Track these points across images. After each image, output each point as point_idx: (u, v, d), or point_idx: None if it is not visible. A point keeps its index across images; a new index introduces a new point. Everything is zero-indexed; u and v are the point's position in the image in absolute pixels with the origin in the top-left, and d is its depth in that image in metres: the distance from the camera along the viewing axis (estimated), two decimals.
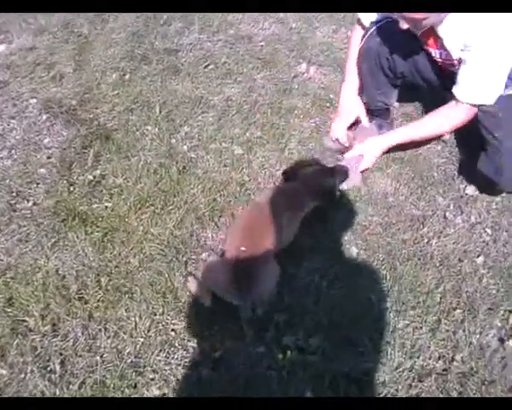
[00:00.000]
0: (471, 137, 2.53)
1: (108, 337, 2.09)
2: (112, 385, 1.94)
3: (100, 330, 2.12)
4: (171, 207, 2.54)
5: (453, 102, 2.33)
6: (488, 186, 2.53)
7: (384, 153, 2.59)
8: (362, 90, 2.78)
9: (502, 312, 2.19)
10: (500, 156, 2.35)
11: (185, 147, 2.86)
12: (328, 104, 3.12)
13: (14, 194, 2.63)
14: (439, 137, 2.85)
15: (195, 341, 2.09)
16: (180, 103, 3.13)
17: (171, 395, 1.92)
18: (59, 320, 2.14)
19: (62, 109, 3.10)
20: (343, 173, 2.49)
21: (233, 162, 2.75)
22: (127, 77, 3.34)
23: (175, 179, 2.65)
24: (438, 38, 2.29)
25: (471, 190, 2.64)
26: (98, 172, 2.72)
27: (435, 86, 2.58)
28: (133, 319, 2.14)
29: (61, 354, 2.04)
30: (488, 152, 2.40)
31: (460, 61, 2.27)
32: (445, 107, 2.39)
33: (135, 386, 1.95)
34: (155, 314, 2.16)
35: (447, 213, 2.56)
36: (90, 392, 1.93)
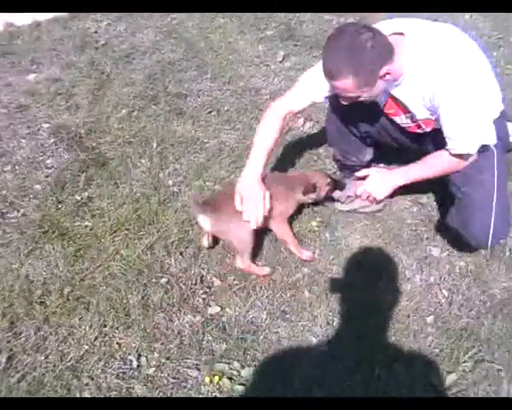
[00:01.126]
0: (448, 201, 2.58)
1: (57, 341, 2.24)
2: (48, 384, 2.07)
3: (51, 333, 2.27)
4: (143, 234, 2.69)
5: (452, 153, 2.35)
6: (455, 241, 2.59)
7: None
8: (333, 146, 2.89)
9: (440, 371, 2.20)
10: (466, 210, 2.41)
11: (170, 181, 3.04)
12: (315, 158, 3.24)
13: (7, 204, 2.86)
14: (415, 198, 2.92)
15: (135, 356, 2.20)
16: (176, 142, 3.34)
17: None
18: (17, 319, 2.30)
19: (69, 136, 3.35)
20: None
21: None
22: (135, 114, 3.58)
23: (154, 209, 2.82)
24: (400, 104, 2.40)
25: (436, 251, 2.68)
26: (86, 194, 2.93)
27: (407, 146, 2.66)
28: (84, 327, 2.28)
29: (10, 350, 2.19)
30: (456, 206, 2.47)
31: (428, 121, 2.37)
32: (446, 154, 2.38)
33: (69, 388, 2.07)
34: (105, 326, 2.30)
35: (407, 272, 2.60)
36: (26, 387, 2.06)
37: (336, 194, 2.79)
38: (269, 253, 2.65)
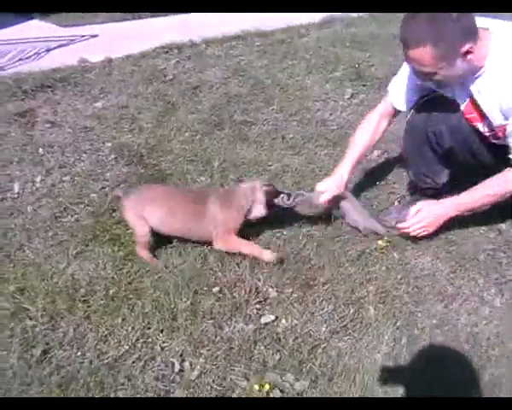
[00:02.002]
0: None
1: (96, 339, 2.08)
2: (81, 379, 1.90)
3: (91, 330, 2.11)
4: (197, 244, 2.53)
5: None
6: None
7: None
8: (409, 166, 2.69)
9: None
10: None
11: None
12: (382, 183, 3.04)
13: (61, 209, 2.79)
14: (493, 225, 2.65)
15: (178, 360, 2.00)
16: (239, 164, 3.22)
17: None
18: (57, 315, 2.17)
19: (131, 153, 3.30)
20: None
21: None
22: (198, 137, 3.52)
23: None
24: (478, 109, 2.21)
25: None
26: None
27: (486, 164, 2.44)
28: (126, 328, 2.11)
29: (46, 344, 2.05)
30: None
31: (503, 129, 2.16)
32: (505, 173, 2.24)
33: (103, 386, 1.88)
34: (148, 328, 2.12)
35: (485, 294, 2.32)
36: (58, 380, 1.89)
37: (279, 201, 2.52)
38: (327, 267, 2.42)
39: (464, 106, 2.31)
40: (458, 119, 2.35)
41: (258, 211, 2.47)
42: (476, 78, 2.14)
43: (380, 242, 2.58)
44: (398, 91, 2.54)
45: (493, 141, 2.33)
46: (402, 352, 2.05)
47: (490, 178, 2.26)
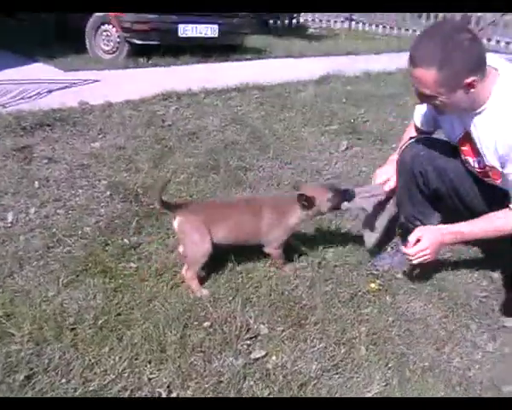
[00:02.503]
0: None
1: (82, 367, 2.02)
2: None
3: (77, 358, 2.05)
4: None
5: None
6: None
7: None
8: (400, 207, 2.72)
9: None
10: None
11: None
12: None
13: (54, 240, 2.77)
14: (485, 273, 2.67)
15: (165, 390, 1.95)
16: None
17: None
18: (44, 341, 2.12)
19: (126, 191, 3.32)
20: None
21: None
22: (193, 179, 3.55)
23: None
24: (473, 143, 2.25)
25: (511, 322, 2.37)
26: (135, 239, 2.82)
27: (472, 209, 2.46)
28: (113, 358, 2.06)
29: (30, 369, 1.98)
30: None
31: (494, 170, 2.21)
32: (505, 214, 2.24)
33: None
34: (136, 359, 2.08)
35: (477, 339, 2.31)
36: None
37: (345, 205, 2.55)
38: (319, 307, 2.41)
39: (460, 137, 2.33)
40: (446, 161, 2.40)
41: (314, 214, 2.59)
42: (476, 114, 2.16)
43: (372, 285, 2.58)
44: (420, 113, 2.63)
45: (482, 178, 2.35)
46: (393, 392, 2.02)
47: (492, 212, 2.26)
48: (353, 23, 14.04)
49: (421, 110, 2.60)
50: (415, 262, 2.39)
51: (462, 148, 2.35)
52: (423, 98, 2.16)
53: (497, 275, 2.72)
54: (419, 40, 2.05)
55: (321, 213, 2.59)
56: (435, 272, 2.70)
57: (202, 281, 2.51)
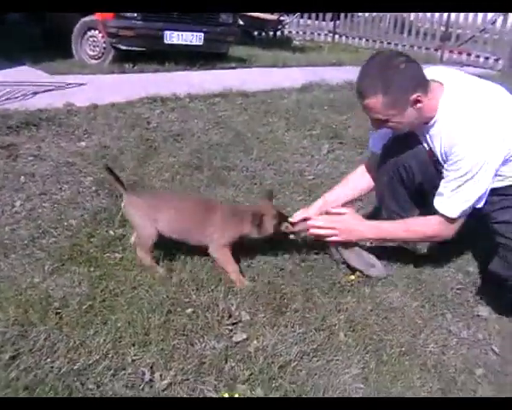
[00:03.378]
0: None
1: (67, 348, 2.05)
2: (49, 383, 1.87)
3: (62, 340, 2.09)
4: (175, 269, 2.57)
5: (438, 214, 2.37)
6: (506, 305, 2.43)
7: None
8: (381, 204, 2.80)
9: None
10: (509, 252, 2.26)
11: None
12: None
13: (40, 231, 2.81)
14: (461, 267, 2.76)
15: (148, 370, 1.99)
16: None
17: None
18: (29, 324, 2.15)
19: (112, 187, 3.35)
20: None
21: None
22: (178, 177, 3.61)
23: (188, 249, 2.69)
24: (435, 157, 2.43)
25: (485, 312, 2.48)
26: (120, 231, 2.86)
27: None
28: (97, 340, 2.10)
29: (15, 350, 2.02)
30: (499, 252, 2.32)
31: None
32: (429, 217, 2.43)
33: (71, 391, 1.86)
34: (120, 341, 2.12)
35: (452, 327, 2.39)
36: (26, 383, 1.86)
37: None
38: (299, 296, 2.47)
39: (427, 151, 2.46)
40: (427, 154, 2.49)
41: (264, 232, 2.59)
42: (429, 127, 2.33)
43: (351, 277, 2.64)
44: (375, 139, 2.73)
45: None
46: (371, 374, 2.08)
47: (414, 217, 2.52)
48: (337, 36, 14.23)
49: (375, 138, 2.74)
50: (318, 232, 2.55)
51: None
52: (378, 124, 2.33)
53: (472, 269, 2.81)
54: (360, 75, 2.24)
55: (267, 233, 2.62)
56: (413, 266, 2.77)
57: (184, 267, 2.57)
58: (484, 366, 2.18)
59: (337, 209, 2.55)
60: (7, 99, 4.75)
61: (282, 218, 2.62)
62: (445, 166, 2.29)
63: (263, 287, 2.50)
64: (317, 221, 2.56)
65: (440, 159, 2.34)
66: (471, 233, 2.63)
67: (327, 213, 2.62)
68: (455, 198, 2.26)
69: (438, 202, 2.33)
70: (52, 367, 1.96)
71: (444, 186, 2.30)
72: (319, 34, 14.53)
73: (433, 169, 2.50)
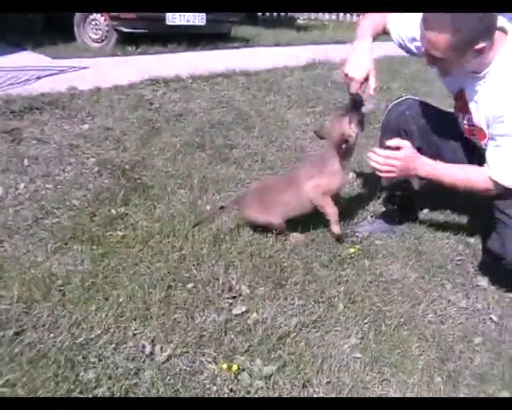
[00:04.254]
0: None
1: (70, 323, 2.09)
2: (51, 357, 1.91)
3: (64, 316, 2.13)
4: (175, 246, 2.59)
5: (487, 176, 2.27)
6: (505, 275, 2.41)
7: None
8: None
9: (492, 390, 1.93)
10: (506, 230, 2.25)
11: (208, 207, 2.98)
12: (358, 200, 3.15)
13: (43, 212, 2.84)
14: (461, 238, 2.77)
15: (149, 343, 2.03)
16: (218, 180, 3.32)
17: (104, 383, 1.84)
18: (32, 301, 2.19)
19: (114, 168, 3.39)
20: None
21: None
22: (180, 156, 3.62)
23: (186, 229, 2.72)
24: (465, 102, 2.32)
25: (484, 282, 2.49)
26: (122, 209, 2.89)
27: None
28: (99, 315, 2.13)
29: (19, 326, 2.06)
30: (497, 229, 2.31)
31: (480, 132, 2.29)
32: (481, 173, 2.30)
33: (73, 364, 1.90)
34: (121, 316, 2.15)
35: (452, 297, 2.41)
36: (29, 357, 1.90)
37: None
38: (300, 269, 2.49)
39: (457, 91, 2.40)
40: (430, 121, 2.48)
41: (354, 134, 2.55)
42: (477, 78, 2.21)
43: (351, 249, 2.66)
44: (399, 25, 2.51)
45: (468, 136, 2.44)
46: (369, 344, 2.10)
47: (471, 166, 2.34)
48: (341, 14, 14.10)
49: (402, 31, 2.50)
50: (378, 167, 2.37)
51: (457, 102, 2.43)
52: (432, 59, 2.18)
53: (472, 240, 2.81)
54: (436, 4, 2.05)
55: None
56: (413, 238, 2.79)
57: (185, 242, 2.59)
58: (482, 335, 2.19)
59: (396, 143, 2.36)
60: (10, 84, 4.77)
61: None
62: (491, 130, 2.19)
63: (263, 261, 2.53)
64: (377, 156, 2.37)
65: (483, 121, 2.22)
66: (472, 205, 2.63)
67: (386, 147, 2.40)
68: (506, 164, 2.17)
69: (492, 171, 2.22)
70: (55, 342, 1.99)
71: (494, 152, 2.20)
72: (323, 12, 14.37)
73: (437, 135, 2.48)
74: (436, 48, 2.08)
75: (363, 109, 2.51)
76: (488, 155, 2.25)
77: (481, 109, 2.23)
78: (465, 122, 2.39)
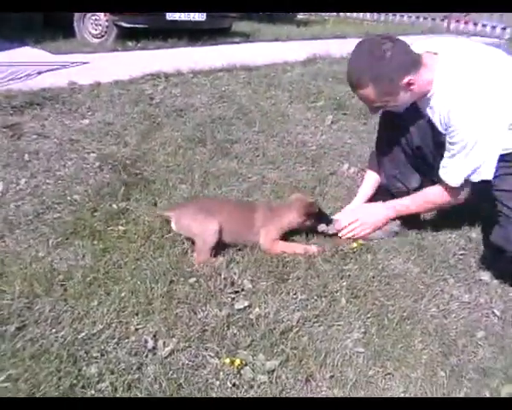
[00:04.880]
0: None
1: (71, 318, 2.09)
2: (54, 353, 1.90)
3: (66, 311, 2.13)
4: (177, 241, 2.59)
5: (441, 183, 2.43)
6: (507, 270, 2.42)
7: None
8: (381, 171, 2.79)
9: (495, 384, 1.92)
10: (510, 223, 2.24)
11: None
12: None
13: (44, 207, 2.84)
14: (463, 233, 2.76)
15: (152, 338, 2.02)
16: (219, 175, 3.31)
17: (107, 377, 1.83)
18: (34, 296, 2.18)
19: (115, 163, 3.38)
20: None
21: None
22: (181, 151, 3.62)
23: None
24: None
25: (486, 276, 2.48)
26: (124, 204, 2.89)
27: None
28: (101, 310, 2.13)
29: (21, 321, 2.05)
30: (500, 222, 2.30)
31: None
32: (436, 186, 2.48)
33: (75, 359, 1.89)
34: (124, 311, 2.15)
35: (454, 291, 2.40)
36: (31, 352, 1.89)
37: (321, 227, 2.67)
38: (302, 264, 2.48)
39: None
40: (427, 119, 2.47)
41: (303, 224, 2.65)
42: (428, 99, 2.32)
43: (354, 244, 2.65)
44: None
45: None
46: (372, 339, 2.10)
47: (429, 187, 2.51)
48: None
49: None
50: (350, 234, 2.66)
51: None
52: (375, 109, 2.40)
53: (474, 235, 2.81)
54: (349, 67, 2.26)
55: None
56: (415, 233, 2.78)
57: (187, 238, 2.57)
58: (485, 329, 2.19)
59: (347, 207, 2.70)
60: (10, 79, 4.76)
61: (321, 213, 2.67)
62: (447, 136, 2.30)
63: (265, 256, 2.52)
64: (342, 221, 2.65)
65: (441, 129, 2.33)
66: (474, 199, 2.62)
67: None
68: (455, 167, 2.29)
69: (440, 171, 2.37)
70: (57, 337, 1.99)
71: (445, 156, 2.33)
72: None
73: (432, 133, 2.49)
74: (370, 100, 2.29)
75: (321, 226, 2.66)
76: (442, 161, 2.37)
77: (440, 122, 2.32)
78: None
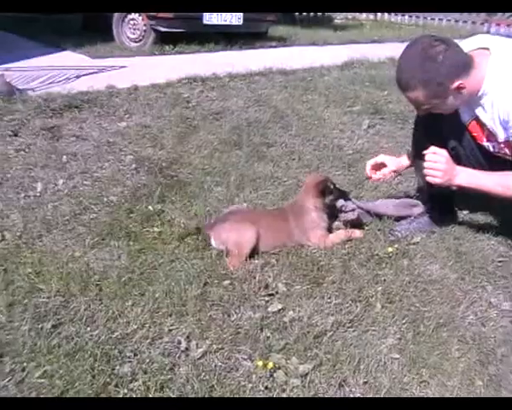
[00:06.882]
0: None
1: (106, 318, 2.11)
2: (88, 350, 1.92)
3: (101, 310, 2.15)
4: (210, 243, 2.59)
5: None
6: None
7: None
8: (418, 172, 2.74)
9: None
10: None
11: (245, 204, 2.96)
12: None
13: (81, 207, 2.89)
14: (502, 240, 2.69)
15: (185, 339, 2.03)
16: (255, 178, 3.31)
17: (140, 377, 1.84)
18: (70, 295, 2.22)
19: (151, 165, 3.41)
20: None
21: None
22: (217, 154, 3.63)
23: None
24: (484, 128, 2.31)
25: None
26: (159, 206, 2.91)
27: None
28: (135, 310, 2.15)
29: (57, 319, 2.08)
30: None
31: (508, 144, 2.27)
32: None
33: (109, 358, 1.91)
34: (157, 312, 2.16)
35: (493, 299, 2.33)
36: (66, 349, 1.92)
37: (340, 203, 2.67)
38: (337, 268, 2.46)
39: (469, 125, 2.38)
40: (465, 135, 2.42)
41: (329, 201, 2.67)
42: (478, 99, 2.24)
43: (389, 249, 2.61)
44: None
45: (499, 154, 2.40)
46: (407, 345, 2.05)
47: (509, 171, 2.29)
48: (379, 13, 13.94)
49: None
50: (425, 172, 2.36)
51: (473, 134, 2.41)
52: (423, 111, 2.33)
53: None
54: (399, 68, 2.22)
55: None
56: (453, 239, 2.72)
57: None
58: None
59: (433, 151, 2.33)
60: (50, 83, 4.87)
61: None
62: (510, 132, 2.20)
63: (299, 259, 2.50)
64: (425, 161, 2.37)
65: (499, 127, 2.24)
66: None
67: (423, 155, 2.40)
68: None
69: None
70: (91, 336, 2.01)
71: None
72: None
73: (469, 135, 2.44)
74: (419, 103, 2.23)
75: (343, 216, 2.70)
76: None
77: (496, 120, 2.23)
78: (491, 148, 2.39)
